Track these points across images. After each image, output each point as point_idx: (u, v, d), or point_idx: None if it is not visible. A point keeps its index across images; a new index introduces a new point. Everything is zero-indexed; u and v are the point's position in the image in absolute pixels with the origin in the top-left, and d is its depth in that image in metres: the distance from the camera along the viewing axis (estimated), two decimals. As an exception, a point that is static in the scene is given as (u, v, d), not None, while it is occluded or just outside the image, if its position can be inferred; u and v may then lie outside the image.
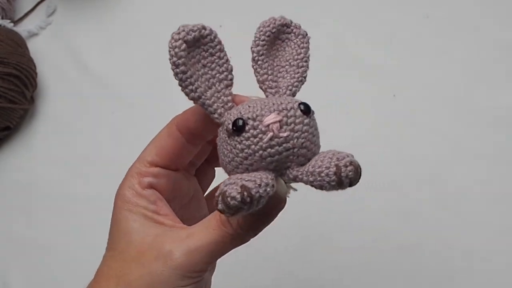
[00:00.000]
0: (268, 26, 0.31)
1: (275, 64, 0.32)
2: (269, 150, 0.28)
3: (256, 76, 0.31)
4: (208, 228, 0.30)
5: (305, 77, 0.32)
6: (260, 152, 0.28)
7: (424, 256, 0.52)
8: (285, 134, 0.28)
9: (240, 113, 0.28)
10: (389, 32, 0.62)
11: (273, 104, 0.28)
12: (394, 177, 0.55)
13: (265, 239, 0.47)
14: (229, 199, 0.25)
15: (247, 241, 0.30)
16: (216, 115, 0.30)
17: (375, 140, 0.57)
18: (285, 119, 0.28)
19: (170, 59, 0.28)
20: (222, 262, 0.32)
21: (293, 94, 0.31)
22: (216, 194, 0.26)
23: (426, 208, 0.54)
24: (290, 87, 0.31)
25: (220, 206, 0.25)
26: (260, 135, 0.28)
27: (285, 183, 0.29)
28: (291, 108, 0.28)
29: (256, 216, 0.29)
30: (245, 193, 0.25)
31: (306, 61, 0.32)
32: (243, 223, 0.29)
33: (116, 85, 0.65)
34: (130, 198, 0.32)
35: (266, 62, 0.31)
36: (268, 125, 0.27)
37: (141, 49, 0.67)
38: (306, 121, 0.29)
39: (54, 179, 0.62)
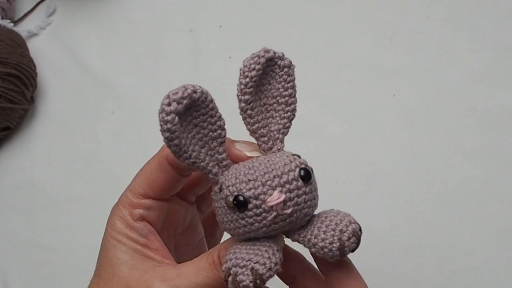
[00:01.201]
0: (254, 69, 0.29)
1: (262, 103, 0.30)
2: (272, 226, 0.28)
3: (246, 125, 0.30)
4: (199, 269, 0.29)
5: (294, 114, 0.31)
6: (264, 229, 0.27)
7: (424, 256, 0.52)
8: (288, 211, 0.27)
9: (240, 189, 0.27)
10: (389, 32, 0.62)
11: (274, 176, 0.27)
12: (394, 177, 0.55)
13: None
14: (241, 285, 0.26)
15: None
16: (211, 176, 0.29)
17: (375, 140, 0.57)
18: (288, 194, 0.27)
19: (162, 133, 0.27)
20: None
21: (285, 134, 0.31)
22: (224, 270, 0.27)
23: (426, 208, 0.54)
24: (282, 130, 0.30)
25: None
26: (263, 214, 0.27)
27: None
28: (292, 180, 0.28)
29: None
30: (258, 281, 0.26)
31: (294, 96, 0.31)
32: None
33: (116, 85, 0.65)
34: (121, 229, 0.31)
35: (255, 108, 0.30)
36: (272, 206, 0.27)
37: (141, 49, 0.67)
38: (307, 190, 0.28)
39: (54, 179, 0.62)
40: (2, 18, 0.67)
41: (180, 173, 0.31)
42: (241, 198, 0.27)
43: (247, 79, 0.29)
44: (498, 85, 0.58)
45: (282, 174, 0.28)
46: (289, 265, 0.31)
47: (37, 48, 0.67)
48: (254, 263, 0.26)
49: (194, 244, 0.37)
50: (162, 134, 0.27)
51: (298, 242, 0.29)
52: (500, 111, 0.56)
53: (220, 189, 0.29)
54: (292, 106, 0.30)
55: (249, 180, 0.27)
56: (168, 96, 0.27)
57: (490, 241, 0.52)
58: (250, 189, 0.27)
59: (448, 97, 0.58)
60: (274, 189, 0.27)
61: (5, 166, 0.63)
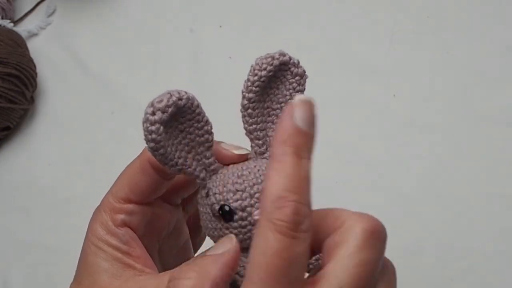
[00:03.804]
0: (265, 69, 0.28)
1: (265, 106, 0.29)
2: None
3: (244, 124, 0.29)
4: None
5: None
6: (248, 241, 0.26)
7: (424, 256, 0.52)
8: None
9: (227, 199, 0.27)
10: (389, 32, 0.62)
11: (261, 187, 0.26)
12: (394, 176, 0.55)
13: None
14: None
15: None
16: (199, 180, 0.28)
17: (375, 140, 0.57)
18: None
19: (146, 143, 0.26)
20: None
21: None
22: None
23: (426, 208, 0.54)
24: None
25: None
26: (248, 227, 0.27)
27: None
28: None
29: None
30: None
31: None
32: None
33: (116, 85, 0.65)
34: (102, 236, 0.30)
35: (257, 109, 0.29)
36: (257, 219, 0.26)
37: (141, 49, 0.67)
38: None
39: (54, 179, 0.62)
40: (2, 18, 0.67)
41: (163, 176, 0.30)
42: (227, 208, 0.26)
43: (256, 77, 0.28)
44: (498, 85, 0.58)
45: None
46: None
47: (37, 48, 0.67)
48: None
49: (179, 247, 0.36)
50: (147, 144, 0.26)
51: None
52: (500, 111, 0.56)
53: (207, 195, 0.28)
54: None
55: (237, 191, 0.27)
56: (152, 105, 0.26)
57: (490, 241, 0.52)
58: (237, 200, 0.27)
59: (448, 97, 0.58)
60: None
61: (5, 166, 0.63)
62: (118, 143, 0.62)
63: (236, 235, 0.27)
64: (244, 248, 0.27)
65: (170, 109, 0.26)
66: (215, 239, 0.28)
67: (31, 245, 0.59)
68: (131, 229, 0.31)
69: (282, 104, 0.29)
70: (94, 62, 0.67)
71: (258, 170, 0.28)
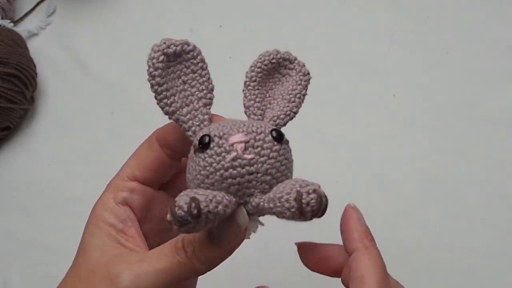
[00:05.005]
0: (269, 56, 0.30)
1: (267, 95, 0.31)
2: (230, 170, 0.26)
3: (244, 100, 0.30)
4: (160, 254, 0.28)
5: (295, 113, 0.30)
6: (222, 171, 0.26)
7: (424, 256, 0.52)
8: (249, 157, 0.26)
9: (209, 130, 0.27)
10: (389, 32, 0.62)
11: (244, 125, 0.27)
12: (394, 177, 0.55)
13: (271, 239, 0.47)
14: (176, 208, 0.24)
15: (202, 273, 0.28)
16: (190, 133, 0.29)
17: (375, 140, 0.57)
18: (252, 141, 0.27)
19: (147, 70, 0.28)
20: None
21: (277, 126, 0.30)
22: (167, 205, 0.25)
23: (426, 207, 0.54)
24: (275, 118, 0.30)
25: (168, 217, 0.24)
26: (223, 154, 0.26)
27: (249, 215, 0.28)
28: (261, 132, 0.27)
29: (212, 246, 0.27)
30: (193, 204, 0.24)
31: (299, 98, 0.30)
32: (198, 252, 0.27)
33: (116, 85, 0.65)
34: (100, 213, 0.31)
35: (257, 90, 0.30)
36: (232, 144, 0.26)
37: (141, 49, 0.66)
38: (275, 148, 0.27)
39: (54, 179, 0.62)
40: (2, 18, 0.67)
41: (169, 154, 0.31)
42: (206, 138, 0.27)
43: (259, 61, 0.30)
44: (498, 85, 0.58)
45: (253, 126, 0.27)
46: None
47: (37, 48, 0.67)
48: (199, 194, 0.24)
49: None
50: (147, 72, 0.28)
51: (259, 207, 0.27)
52: (500, 111, 0.56)
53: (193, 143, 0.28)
54: (294, 104, 0.30)
55: (219, 125, 0.28)
56: (161, 40, 0.29)
57: (490, 241, 0.52)
58: (217, 130, 0.27)
59: (448, 97, 0.58)
60: (240, 132, 0.27)
61: (5, 166, 0.63)
62: (118, 143, 0.62)
63: (210, 164, 0.27)
64: (214, 182, 0.27)
65: (175, 47, 0.29)
66: (192, 183, 0.28)
67: (31, 245, 0.59)
68: (131, 208, 0.31)
69: (284, 95, 0.31)
70: (94, 62, 0.67)
71: (246, 121, 0.28)
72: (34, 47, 0.67)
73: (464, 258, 0.51)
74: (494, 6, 0.62)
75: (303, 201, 0.25)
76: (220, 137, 0.27)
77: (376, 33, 0.62)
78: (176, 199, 0.24)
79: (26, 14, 0.71)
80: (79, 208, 0.59)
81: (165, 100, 0.28)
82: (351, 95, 0.60)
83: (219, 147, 0.26)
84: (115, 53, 0.67)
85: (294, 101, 0.30)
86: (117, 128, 0.63)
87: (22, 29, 0.68)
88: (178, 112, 0.28)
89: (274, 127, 0.28)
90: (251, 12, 0.66)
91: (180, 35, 0.74)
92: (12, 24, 0.67)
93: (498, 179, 0.54)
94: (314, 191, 0.25)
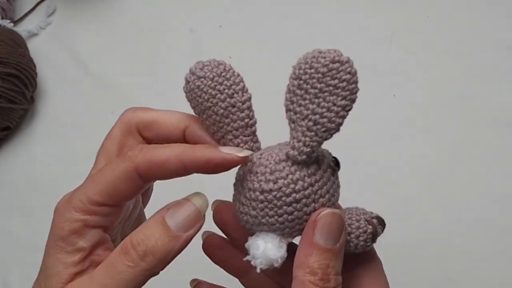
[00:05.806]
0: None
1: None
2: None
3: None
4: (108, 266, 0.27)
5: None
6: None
7: (424, 256, 0.52)
8: None
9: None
10: (389, 32, 0.62)
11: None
12: (394, 176, 0.55)
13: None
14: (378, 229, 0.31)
15: (159, 269, 0.28)
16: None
17: (375, 140, 0.57)
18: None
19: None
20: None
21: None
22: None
23: (425, 207, 0.54)
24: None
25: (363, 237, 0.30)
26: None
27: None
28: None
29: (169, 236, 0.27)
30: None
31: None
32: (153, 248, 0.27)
33: (116, 85, 0.65)
34: (66, 236, 0.28)
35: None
36: None
37: (141, 49, 0.67)
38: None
39: (54, 179, 0.62)
40: (2, 18, 0.67)
41: (149, 181, 0.29)
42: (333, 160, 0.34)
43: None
44: (498, 85, 0.58)
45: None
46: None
47: (37, 48, 0.67)
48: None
49: (136, 218, 0.35)
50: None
51: None
52: (500, 111, 0.56)
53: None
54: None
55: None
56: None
57: (490, 241, 0.52)
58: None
59: (448, 97, 0.58)
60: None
61: (5, 166, 0.63)
62: (118, 143, 0.62)
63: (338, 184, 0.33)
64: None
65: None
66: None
67: (31, 246, 0.59)
68: (103, 229, 0.29)
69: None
70: (94, 62, 0.67)
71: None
72: (34, 47, 0.67)
73: (464, 258, 0.51)
74: (494, 6, 0.62)
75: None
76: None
77: (376, 33, 0.62)
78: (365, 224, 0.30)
79: (26, 14, 0.71)
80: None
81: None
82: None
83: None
84: (115, 53, 0.67)
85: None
86: (117, 128, 0.63)
87: (22, 29, 0.68)
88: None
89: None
90: (251, 12, 0.66)
91: (180, 35, 0.75)
92: (12, 24, 0.67)
93: (498, 179, 0.54)
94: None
